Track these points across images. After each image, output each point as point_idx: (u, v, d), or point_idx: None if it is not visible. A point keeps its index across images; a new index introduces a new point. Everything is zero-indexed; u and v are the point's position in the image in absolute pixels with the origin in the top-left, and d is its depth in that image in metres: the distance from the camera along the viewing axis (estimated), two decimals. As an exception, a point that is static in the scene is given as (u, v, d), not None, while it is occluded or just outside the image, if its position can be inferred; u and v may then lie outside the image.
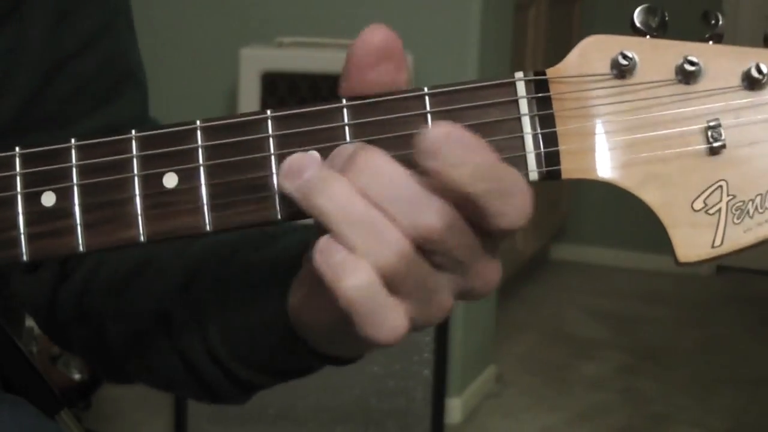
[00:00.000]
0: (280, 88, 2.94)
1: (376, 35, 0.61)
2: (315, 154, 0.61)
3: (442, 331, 2.75)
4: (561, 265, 4.62)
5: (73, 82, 0.84)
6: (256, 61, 2.96)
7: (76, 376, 2.78)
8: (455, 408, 3.27)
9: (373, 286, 0.58)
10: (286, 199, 0.62)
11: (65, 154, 0.64)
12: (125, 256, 0.83)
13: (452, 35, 3.12)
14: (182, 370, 0.81)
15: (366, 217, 0.58)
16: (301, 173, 0.60)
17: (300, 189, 0.60)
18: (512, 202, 0.58)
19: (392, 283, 0.59)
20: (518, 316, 4.07)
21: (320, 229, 0.61)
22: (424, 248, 0.59)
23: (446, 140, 0.57)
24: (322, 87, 2.91)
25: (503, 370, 3.62)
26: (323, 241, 0.59)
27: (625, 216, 3.90)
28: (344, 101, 0.63)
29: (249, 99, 2.96)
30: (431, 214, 0.58)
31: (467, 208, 0.59)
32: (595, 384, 3.59)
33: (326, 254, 0.58)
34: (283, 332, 0.73)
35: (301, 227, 0.76)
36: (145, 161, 0.63)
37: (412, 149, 0.58)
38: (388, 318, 0.59)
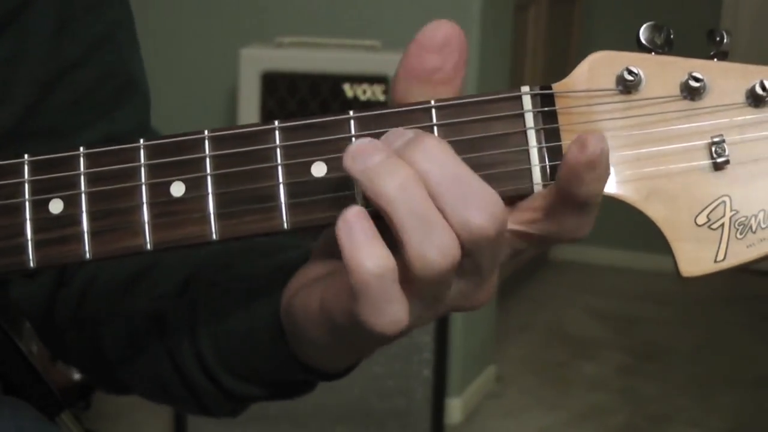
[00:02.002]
0: (280, 88, 2.94)
1: (444, 24, 0.63)
2: (378, 142, 0.60)
3: (442, 331, 2.75)
4: (561, 265, 4.61)
5: (73, 92, 0.83)
6: (256, 61, 2.96)
7: (76, 376, 2.78)
8: (455, 408, 3.27)
9: (390, 274, 0.58)
10: (293, 209, 0.63)
11: (73, 161, 0.64)
12: (126, 262, 0.83)
13: (452, 35, 3.11)
14: (173, 375, 0.80)
15: (425, 209, 0.58)
16: (369, 157, 0.59)
17: (366, 173, 0.58)
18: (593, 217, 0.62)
19: (413, 280, 0.59)
20: (518, 316, 4.07)
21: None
22: (466, 249, 0.59)
23: (603, 157, 0.59)
24: (322, 87, 2.90)
25: (503, 370, 3.62)
26: (351, 213, 0.58)
27: (625, 216, 3.83)
28: (351, 113, 0.63)
29: (249, 99, 2.96)
30: (485, 217, 0.58)
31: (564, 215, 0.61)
32: (595, 384, 3.59)
33: (351, 228, 0.58)
34: (272, 337, 0.73)
35: (307, 245, 0.76)
36: (152, 170, 0.64)
37: (566, 160, 0.59)
38: (393, 309, 0.59)
